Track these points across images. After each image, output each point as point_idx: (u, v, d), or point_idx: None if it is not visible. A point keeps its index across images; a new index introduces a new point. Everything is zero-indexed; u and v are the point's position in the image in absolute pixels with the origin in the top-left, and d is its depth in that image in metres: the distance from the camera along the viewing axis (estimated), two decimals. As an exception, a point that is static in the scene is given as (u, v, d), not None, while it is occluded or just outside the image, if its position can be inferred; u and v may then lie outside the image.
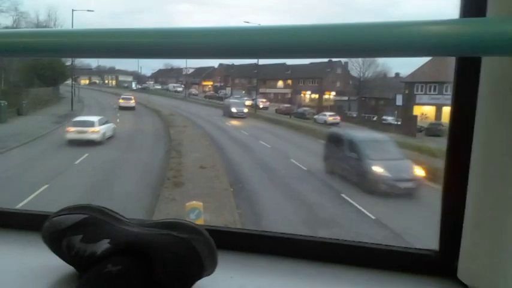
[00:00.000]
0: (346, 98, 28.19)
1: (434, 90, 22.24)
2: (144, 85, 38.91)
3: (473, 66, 0.68)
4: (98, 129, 11.78)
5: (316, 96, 30.03)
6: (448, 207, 0.77)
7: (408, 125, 20.23)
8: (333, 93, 29.65)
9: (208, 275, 0.71)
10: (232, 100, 24.28)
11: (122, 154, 10.62)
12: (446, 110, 21.25)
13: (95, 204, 0.75)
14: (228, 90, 35.94)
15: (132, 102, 21.45)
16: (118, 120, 16.26)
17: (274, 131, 16.71)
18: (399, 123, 20.94)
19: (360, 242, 0.86)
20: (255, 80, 32.43)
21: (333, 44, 0.54)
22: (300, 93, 31.07)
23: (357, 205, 7.77)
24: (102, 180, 8.31)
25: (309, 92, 30.84)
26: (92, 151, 10.60)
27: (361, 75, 29.77)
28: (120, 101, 21.72)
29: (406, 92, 23.37)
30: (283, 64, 33.01)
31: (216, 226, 0.91)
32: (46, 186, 7.69)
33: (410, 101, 22.39)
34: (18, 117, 15.04)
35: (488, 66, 0.65)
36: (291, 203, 7.59)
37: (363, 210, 7.48)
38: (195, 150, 10.80)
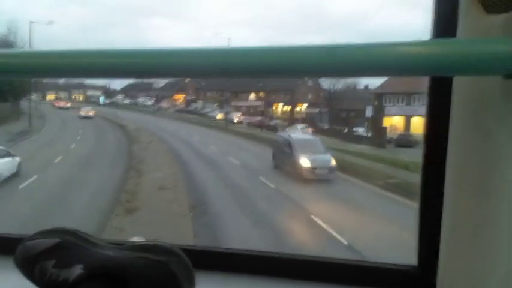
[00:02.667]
0: (317, 110, 28.29)
1: (403, 101, 22.59)
2: (114, 100, 37.94)
3: (445, 84, 0.69)
4: None
5: (288, 108, 30.02)
6: (425, 222, 0.78)
7: (378, 136, 20.46)
8: (305, 105, 29.72)
9: None
10: (296, 137, 14.19)
11: (73, 174, 9.81)
12: (415, 121, 21.79)
13: (69, 227, 0.72)
14: (200, 103, 35.54)
15: (90, 113, 24.20)
16: (79, 138, 15.46)
17: (244, 145, 16.34)
18: (369, 134, 21.13)
19: (339, 258, 0.86)
20: (227, 93, 32.17)
21: (306, 65, 0.56)
22: (272, 106, 30.98)
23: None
24: (45, 203, 7.48)
25: (281, 104, 30.79)
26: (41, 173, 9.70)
27: (332, 87, 30.01)
28: (81, 112, 24.47)
29: (376, 103, 23.66)
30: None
31: (194, 246, 0.93)
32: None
33: (379, 113, 22.65)
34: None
35: (460, 84, 0.66)
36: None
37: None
38: (157, 168, 10.23)
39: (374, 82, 25.73)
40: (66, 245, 0.70)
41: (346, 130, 22.96)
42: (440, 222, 0.72)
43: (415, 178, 0.81)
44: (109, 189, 8.49)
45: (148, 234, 5.48)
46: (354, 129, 22.43)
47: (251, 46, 0.57)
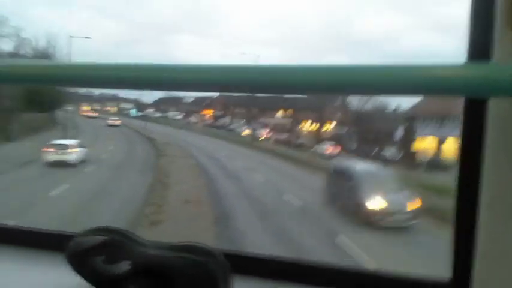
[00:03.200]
0: (345, 129, 27.89)
1: (435, 124, 21.88)
2: (145, 112, 39.00)
3: (481, 106, 0.69)
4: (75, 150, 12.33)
5: (316, 126, 29.79)
6: (460, 235, 0.78)
7: (409, 160, 19.84)
8: (333, 124, 29.42)
9: None
10: (362, 168, 11.43)
11: (101, 186, 10.05)
12: (448, 144, 21.00)
13: (115, 226, 0.76)
14: (228, 119, 35.89)
15: (117, 122, 26.15)
16: (109, 148, 15.80)
17: (270, 162, 16.23)
18: (399, 158, 20.54)
19: (369, 269, 0.95)
20: (254, 109, 32.35)
21: (346, 84, 0.56)
22: (299, 124, 30.87)
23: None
24: (71, 213, 7.66)
25: (308, 123, 30.63)
26: (72, 180, 10.02)
27: (360, 107, 29.57)
28: (108, 121, 26.39)
29: (407, 125, 23.03)
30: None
31: (233, 250, 0.90)
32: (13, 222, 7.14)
33: (411, 135, 22.00)
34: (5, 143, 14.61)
35: (495, 106, 0.67)
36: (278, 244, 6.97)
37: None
38: (183, 181, 10.28)
39: (405, 105, 25.17)
40: (114, 243, 0.74)
41: (375, 152, 22.41)
42: (474, 235, 0.73)
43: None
44: (135, 202, 8.61)
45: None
46: (383, 152, 21.84)
47: (277, 64, 0.58)
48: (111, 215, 7.64)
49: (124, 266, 0.70)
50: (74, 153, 12.19)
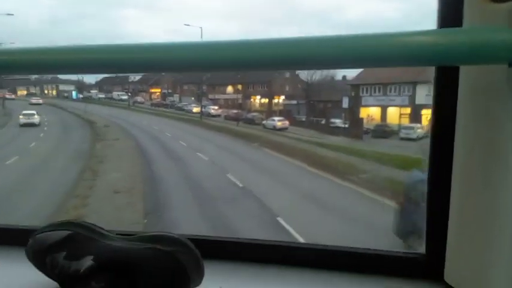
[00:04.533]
0: (295, 101, 27.96)
1: (379, 91, 22.38)
2: (87, 94, 36.77)
3: (451, 74, 0.70)
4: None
5: (266, 100, 29.60)
6: (433, 210, 0.79)
7: (355, 127, 20.34)
8: (283, 97, 29.35)
9: (195, 286, 0.71)
10: None
11: (25, 177, 9.18)
12: (391, 111, 21.69)
13: (79, 220, 0.74)
14: (176, 97, 34.78)
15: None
16: (41, 135, 14.65)
17: (218, 140, 15.82)
18: (347, 126, 20.98)
19: (345, 246, 0.86)
20: (204, 86, 31.62)
21: (309, 57, 0.56)
22: (250, 98, 30.52)
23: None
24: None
25: (258, 97, 30.33)
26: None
27: (309, 78, 29.68)
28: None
29: (353, 94, 23.40)
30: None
31: (202, 236, 0.89)
32: None
33: (356, 103, 22.41)
34: None
35: (466, 73, 0.67)
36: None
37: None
38: (117, 168, 9.64)
39: (352, 73, 25.49)
40: (76, 237, 0.71)
41: (323, 122, 22.72)
42: (448, 211, 0.73)
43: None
44: (58, 194, 7.88)
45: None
46: (332, 120, 22.19)
47: (256, 39, 0.57)
48: (29, 210, 6.93)
49: (86, 261, 0.68)
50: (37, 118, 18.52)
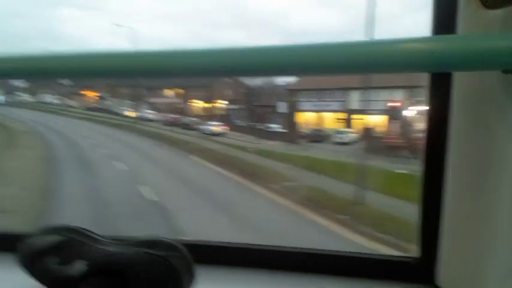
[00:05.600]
0: (236, 106, 27.83)
1: (315, 97, 22.81)
2: (16, 99, 34.09)
3: (445, 80, 0.70)
4: None
5: (207, 105, 29.19)
6: (426, 214, 0.79)
7: (292, 132, 20.60)
8: (224, 102, 29.09)
9: None
10: None
11: None
12: (327, 116, 22.18)
13: (71, 224, 0.74)
14: (113, 100, 33.28)
15: None
16: None
17: (144, 147, 15.09)
18: (284, 130, 21.21)
19: (338, 251, 0.87)
20: (142, 90, 30.61)
21: (304, 64, 0.56)
22: (191, 103, 29.92)
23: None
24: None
25: (199, 101, 29.81)
26: None
27: (251, 83, 29.71)
28: None
29: (291, 99, 23.67)
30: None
31: (195, 240, 0.90)
32: None
33: (294, 109, 22.69)
34: None
35: (460, 79, 0.67)
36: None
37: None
38: (16, 183, 8.70)
39: (294, 79, 25.73)
40: (68, 242, 0.71)
41: (261, 127, 22.78)
42: (441, 215, 0.73)
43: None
44: None
45: None
46: (269, 125, 22.31)
47: (248, 46, 0.58)
48: None
49: (79, 266, 0.67)
50: None
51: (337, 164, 12.14)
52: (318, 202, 8.24)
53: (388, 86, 18.19)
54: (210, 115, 26.48)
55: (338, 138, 19.10)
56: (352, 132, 19.35)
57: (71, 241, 0.71)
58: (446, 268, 0.73)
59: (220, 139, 19.17)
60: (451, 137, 0.69)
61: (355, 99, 20.32)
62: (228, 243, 0.91)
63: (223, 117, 25.12)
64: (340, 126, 20.79)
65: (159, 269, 0.67)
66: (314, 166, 11.70)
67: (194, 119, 24.72)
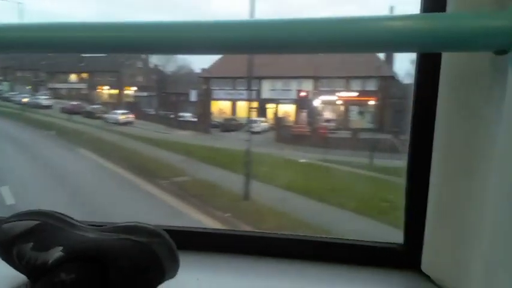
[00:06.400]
0: (147, 94, 26.24)
1: (229, 85, 22.26)
2: None
3: (433, 60, 0.69)
4: None
5: (116, 92, 27.11)
6: (412, 200, 0.79)
7: (204, 121, 20.01)
8: (134, 88, 27.25)
9: (171, 278, 0.69)
10: None
11: None
12: (240, 105, 21.84)
13: (47, 209, 0.71)
14: (6, 85, 29.53)
15: None
16: None
17: (25, 139, 13.28)
18: (196, 119, 20.52)
19: (323, 237, 0.87)
20: (42, 74, 27.58)
21: (287, 41, 0.54)
22: (97, 89, 27.56)
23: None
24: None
25: (106, 87, 27.56)
26: None
27: (162, 69, 28.21)
28: None
29: (204, 87, 22.85)
30: (77, 55, 28.80)
31: (177, 226, 0.90)
32: None
33: (207, 97, 21.93)
34: None
35: (448, 60, 0.66)
36: None
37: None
38: None
39: (203, 64, 24.76)
40: (44, 227, 0.70)
41: (173, 115, 21.74)
42: (427, 200, 0.73)
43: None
44: None
45: None
46: (181, 114, 21.37)
47: (238, 19, 0.55)
48: None
49: (55, 252, 0.65)
50: None
51: (236, 155, 11.73)
52: (205, 199, 7.74)
53: (298, 76, 18.34)
54: (119, 102, 24.60)
55: (250, 127, 18.92)
56: (264, 122, 19.31)
57: (47, 226, 0.69)
58: (431, 254, 0.75)
59: (126, 129, 17.81)
60: (438, 121, 0.68)
61: (267, 88, 20.24)
62: (212, 229, 0.93)
63: (133, 105, 23.47)
64: (253, 116, 20.61)
65: (140, 256, 0.65)
66: (215, 158, 11.19)
67: (99, 106, 22.70)
